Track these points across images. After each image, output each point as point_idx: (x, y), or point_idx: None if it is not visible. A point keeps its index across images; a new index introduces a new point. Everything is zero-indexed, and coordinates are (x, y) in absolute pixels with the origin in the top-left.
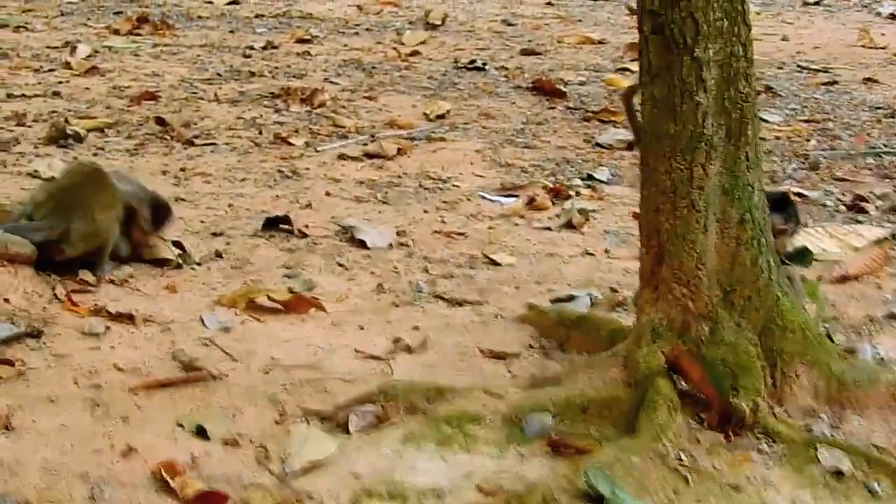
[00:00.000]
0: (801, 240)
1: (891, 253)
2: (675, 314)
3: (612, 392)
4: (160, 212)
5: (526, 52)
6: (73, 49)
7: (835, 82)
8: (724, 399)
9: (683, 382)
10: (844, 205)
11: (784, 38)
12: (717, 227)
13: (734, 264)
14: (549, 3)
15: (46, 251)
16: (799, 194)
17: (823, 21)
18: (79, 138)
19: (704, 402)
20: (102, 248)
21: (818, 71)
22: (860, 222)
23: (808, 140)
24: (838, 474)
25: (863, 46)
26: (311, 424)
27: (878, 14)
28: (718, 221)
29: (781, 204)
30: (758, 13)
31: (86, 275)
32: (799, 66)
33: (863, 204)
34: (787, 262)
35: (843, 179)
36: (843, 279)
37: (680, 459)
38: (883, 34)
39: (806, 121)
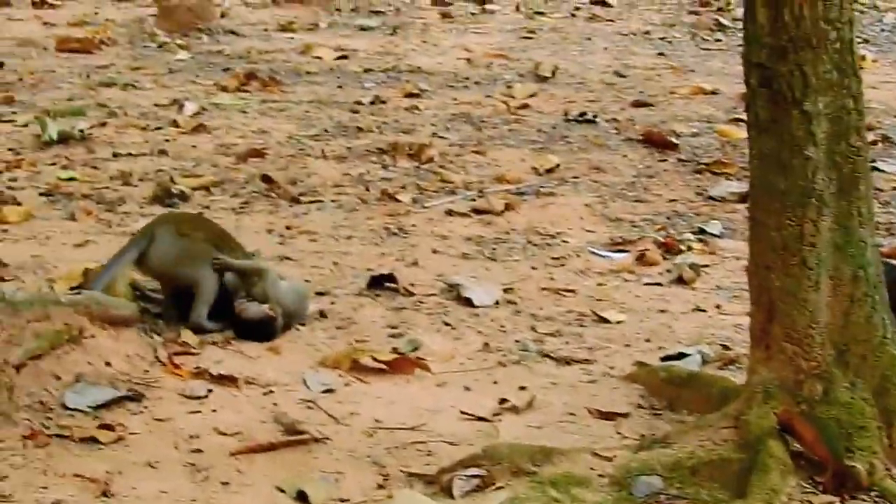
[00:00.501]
0: None
1: None
2: (787, 374)
3: (723, 454)
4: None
5: (637, 104)
6: (181, 107)
7: None
8: (838, 461)
9: (796, 444)
10: None
11: None
12: (830, 284)
13: (847, 322)
14: (660, 54)
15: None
16: None
17: None
18: (184, 197)
19: (818, 464)
20: (196, 291)
21: None
22: None
23: None
24: None
25: None
26: (413, 488)
27: None
28: (831, 278)
29: None
30: (874, 60)
31: (187, 335)
32: None
33: None
34: None
35: None
36: None
37: None
38: None
39: None
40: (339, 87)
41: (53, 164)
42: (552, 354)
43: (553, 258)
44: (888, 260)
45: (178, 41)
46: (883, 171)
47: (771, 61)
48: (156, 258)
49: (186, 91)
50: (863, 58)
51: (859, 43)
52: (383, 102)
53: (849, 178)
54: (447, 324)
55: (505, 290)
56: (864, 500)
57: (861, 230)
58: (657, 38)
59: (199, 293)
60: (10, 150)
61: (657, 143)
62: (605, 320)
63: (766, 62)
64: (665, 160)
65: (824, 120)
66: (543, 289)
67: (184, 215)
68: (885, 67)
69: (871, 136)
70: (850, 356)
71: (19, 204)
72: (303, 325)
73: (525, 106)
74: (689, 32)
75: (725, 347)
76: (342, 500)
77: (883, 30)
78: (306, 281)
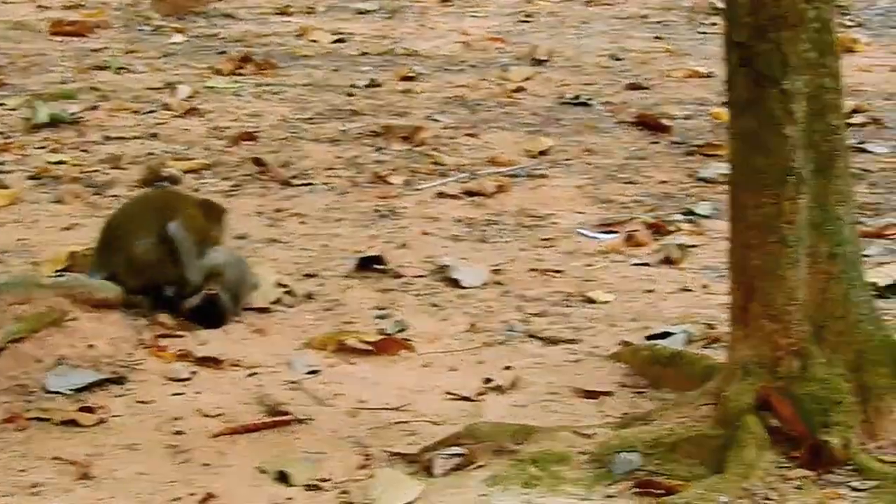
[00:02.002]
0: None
1: None
2: (765, 351)
3: (702, 430)
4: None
5: (632, 87)
6: (174, 90)
7: None
8: (814, 436)
9: (774, 420)
10: None
11: (890, 68)
12: (808, 261)
13: (825, 299)
14: (657, 38)
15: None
16: None
17: None
18: (174, 180)
19: (795, 439)
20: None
21: None
22: None
23: None
24: None
25: None
26: (395, 468)
27: None
28: (808, 256)
29: None
30: (867, 44)
31: (164, 318)
32: None
33: None
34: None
35: None
36: None
37: (768, 498)
38: None
39: None
40: (335, 70)
41: (43, 147)
42: (538, 335)
43: (542, 239)
44: None
45: (174, 25)
46: (871, 152)
47: (751, 40)
48: (129, 281)
49: (180, 74)
50: (855, 41)
51: (852, 27)
52: (378, 86)
53: (827, 157)
54: (434, 305)
55: (493, 272)
56: (839, 475)
57: (838, 208)
58: (654, 21)
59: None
60: None
61: (650, 125)
62: (592, 301)
63: (745, 41)
64: (657, 142)
65: (803, 99)
66: (532, 270)
67: (127, 228)
68: (877, 51)
69: (861, 119)
70: (827, 333)
71: (6, 188)
72: (290, 307)
73: (520, 89)
74: (686, 16)
75: (710, 326)
76: (323, 480)
77: (877, 13)
78: (294, 263)
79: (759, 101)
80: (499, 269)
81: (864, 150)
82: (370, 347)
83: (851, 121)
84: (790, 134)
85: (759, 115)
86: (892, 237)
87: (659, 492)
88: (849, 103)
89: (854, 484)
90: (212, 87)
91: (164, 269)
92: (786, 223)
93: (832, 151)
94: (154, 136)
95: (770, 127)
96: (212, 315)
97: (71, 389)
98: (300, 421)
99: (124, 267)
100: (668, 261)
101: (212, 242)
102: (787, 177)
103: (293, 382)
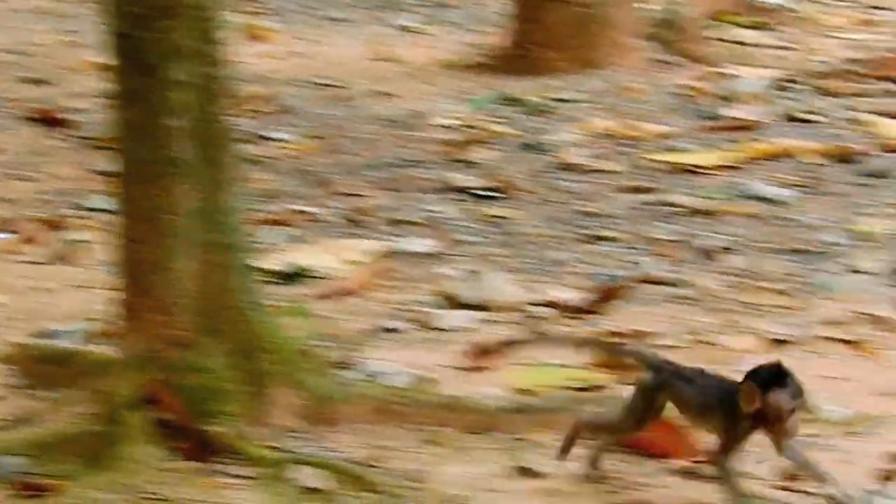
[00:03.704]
0: (298, 256)
1: (387, 266)
2: (154, 344)
3: (85, 427)
4: None
5: (31, 81)
6: None
7: (349, 98)
8: (201, 426)
9: (162, 413)
10: (346, 219)
11: (300, 56)
12: (196, 252)
13: (214, 290)
14: (61, 30)
15: None
16: (301, 211)
17: (340, 36)
18: None
19: (183, 431)
20: None
21: (332, 86)
22: (360, 236)
23: (317, 156)
24: (314, 491)
25: (378, 60)
26: None
27: (394, 27)
28: (198, 247)
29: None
30: (279, 32)
31: None
32: (314, 82)
33: (363, 218)
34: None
35: (348, 194)
36: (340, 294)
37: (150, 492)
38: (397, 47)
39: (316, 137)
40: None
41: None
42: None
43: None
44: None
45: None
46: (275, 139)
47: (133, 30)
48: None
49: None
50: (267, 29)
51: (264, 14)
52: None
53: (215, 146)
54: None
55: None
56: (225, 463)
57: (227, 198)
58: (61, 15)
59: None
60: None
61: (48, 120)
62: None
63: (127, 31)
64: (56, 137)
65: (188, 88)
66: None
67: None
68: (289, 39)
69: (268, 107)
70: (217, 323)
71: None
72: None
73: None
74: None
75: (106, 323)
76: None
77: (289, 1)
78: None
79: (143, 92)
80: None
81: (267, 138)
82: None
83: (259, 108)
84: (174, 124)
85: (143, 105)
86: (291, 224)
87: (30, 493)
88: (258, 91)
89: (240, 472)
90: None
91: None
92: (172, 214)
93: (220, 140)
94: None
95: (153, 117)
96: None
97: None
98: None
99: None
100: (63, 258)
101: None
102: (174, 167)
103: None
